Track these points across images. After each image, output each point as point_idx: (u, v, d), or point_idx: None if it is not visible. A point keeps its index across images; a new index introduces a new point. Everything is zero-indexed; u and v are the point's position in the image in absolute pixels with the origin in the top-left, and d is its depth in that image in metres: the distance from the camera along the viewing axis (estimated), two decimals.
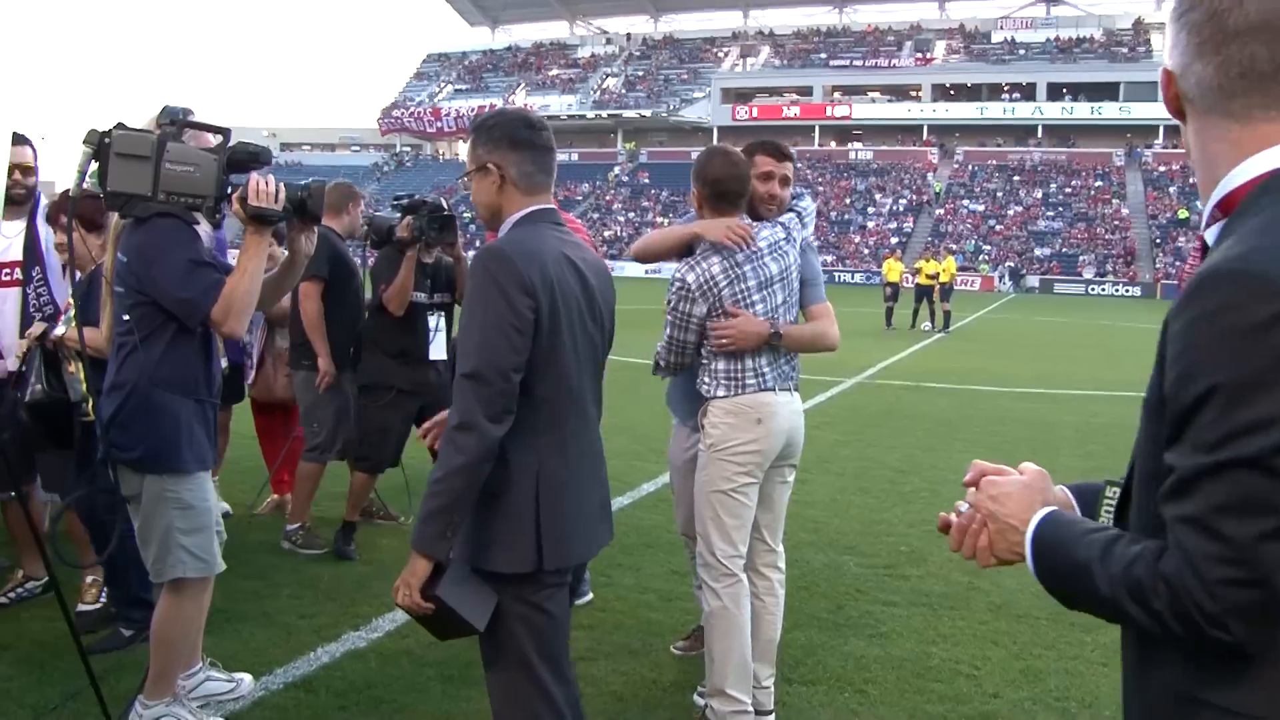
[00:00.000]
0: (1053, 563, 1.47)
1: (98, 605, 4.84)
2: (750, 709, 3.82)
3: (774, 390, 3.88)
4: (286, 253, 3.72)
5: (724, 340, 3.77)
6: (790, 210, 4.12)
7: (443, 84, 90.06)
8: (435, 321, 6.07)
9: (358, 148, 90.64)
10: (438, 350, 6.05)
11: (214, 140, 3.43)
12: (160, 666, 3.66)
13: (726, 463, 3.81)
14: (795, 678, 4.43)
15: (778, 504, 4.13)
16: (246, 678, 4.08)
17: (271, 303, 3.96)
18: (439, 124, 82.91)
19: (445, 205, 5.86)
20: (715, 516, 3.83)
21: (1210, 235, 1.43)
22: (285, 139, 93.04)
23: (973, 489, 1.65)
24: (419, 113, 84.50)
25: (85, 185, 3.35)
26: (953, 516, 1.66)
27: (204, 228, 3.44)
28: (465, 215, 68.39)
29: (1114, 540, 1.38)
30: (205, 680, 3.95)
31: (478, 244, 8.78)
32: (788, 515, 6.96)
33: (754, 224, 3.91)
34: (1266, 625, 1.26)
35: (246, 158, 3.37)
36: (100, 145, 3.14)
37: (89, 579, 4.95)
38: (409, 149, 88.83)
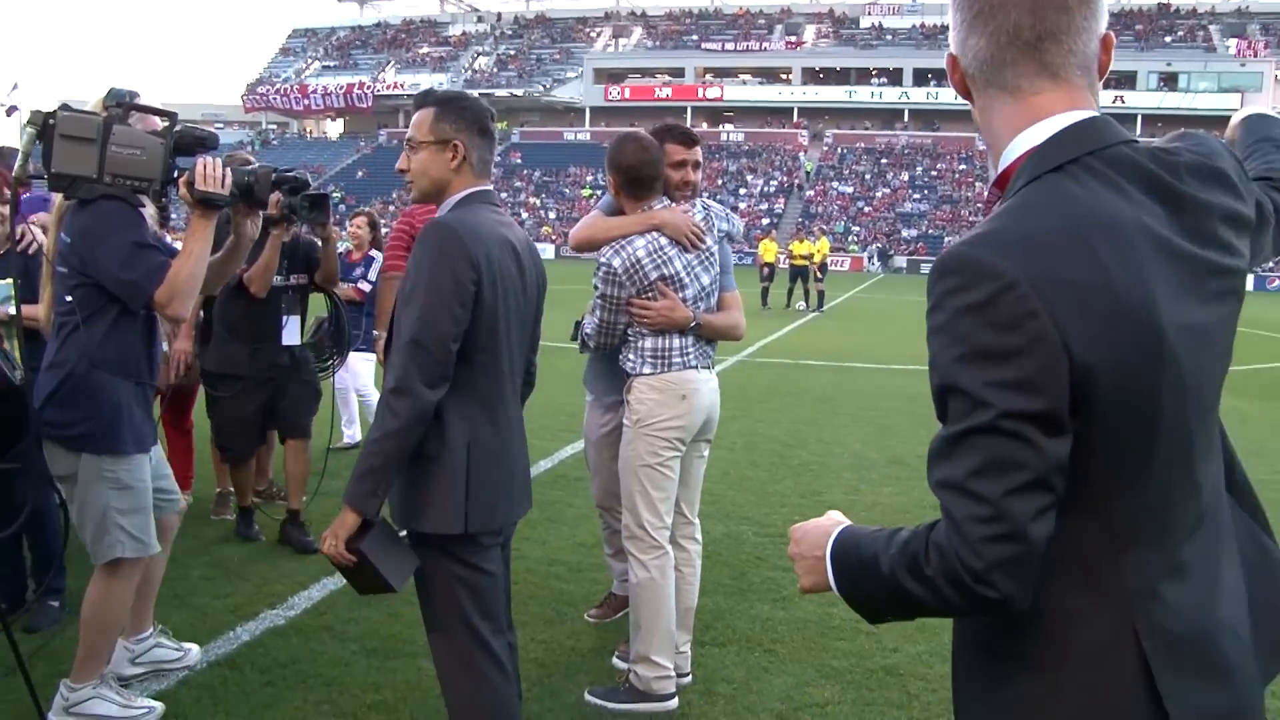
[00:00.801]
0: (847, 569, 1.54)
1: None
2: (673, 673, 4.00)
3: (696, 368, 4.04)
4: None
5: (646, 319, 3.91)
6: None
7: (310, 60, 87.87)
8: (290, 304, 5.76)
9: (221, 125, 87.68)
10: (291, 335, 5.78)
11: (161, 124, 3.41)
12: (89, 648, 3.66)
13: (653, 438, 3.94)
14: (707, 640, 4.64)
15: (695, 478, 4.31)
16: (194, 648, 4.15)
17: (215, 286, 3.97)
18: (306, 101, 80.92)
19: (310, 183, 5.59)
20: (643, 490, 3.97)
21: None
22: None
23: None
24: (285, 89, 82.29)
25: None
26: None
27: (149, 211, 3.44)
28: (334, 196, 67.07)
29: (897, 531, 1.47)
30: (155, 646, 4.01)
31: (347, 224, 8.67)
32: None
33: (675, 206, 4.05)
34: (1027, 578, 1.35)
35: (193, 142, 3.37)
36: (44, 126, 3.12)
37: None
38: (275, 126, 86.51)
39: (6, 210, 4.30)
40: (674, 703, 3.97)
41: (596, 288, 3.97)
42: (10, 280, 4.18)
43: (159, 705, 3.79)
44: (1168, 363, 1.37)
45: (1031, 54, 1.46)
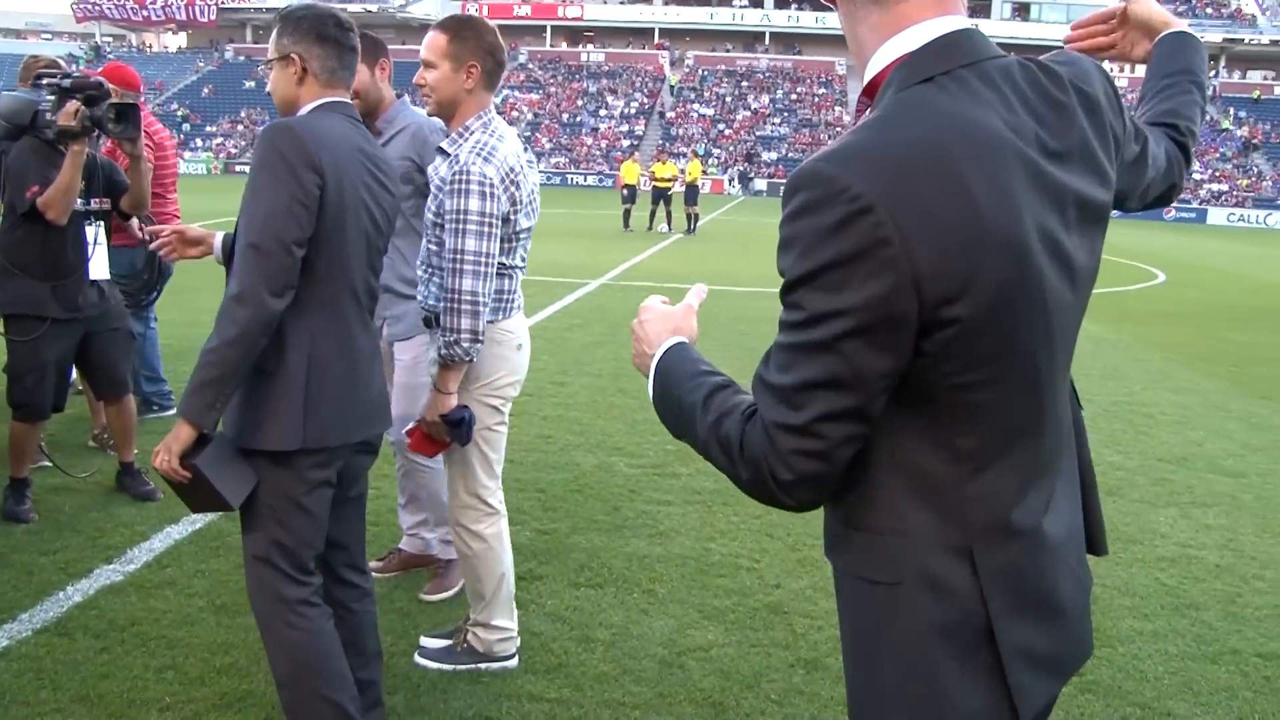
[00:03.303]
0: (665, 394, 1.58)
1: None
2: (514, 632, 3.73)
3: (522, 310, 3.74)
4: None
5: None
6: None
7: None
8: (94, 233, 4.94)
9: (49, 35, 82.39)
10: (99, 268, 4.95)
11: None
12: None
13: (492, 397, 3.56)
14: (582, 581, 4.43)
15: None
16: None
17: None
18: (145, 12, 76.40)
19: (113, 90, 4.74)
20: (481, 456, 3.58)
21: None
22: None
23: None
24: None
25: None
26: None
27: None
28: (178, 115, 63.85)
29: (719, 388, 1.48)
30: None
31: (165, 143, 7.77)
32: (553, 418, 7.01)
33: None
34: (824, 494, 1.40)
35: None
36: None
37: None
38: (110, 39, 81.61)
39: None
40: (514, 661, 3.71)
41: (459, 206, 3.25)
42: None
43: None
44: (1029, 293, 1.34)
45: None
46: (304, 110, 2.77)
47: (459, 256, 3.26)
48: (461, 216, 3.24)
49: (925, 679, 1.41)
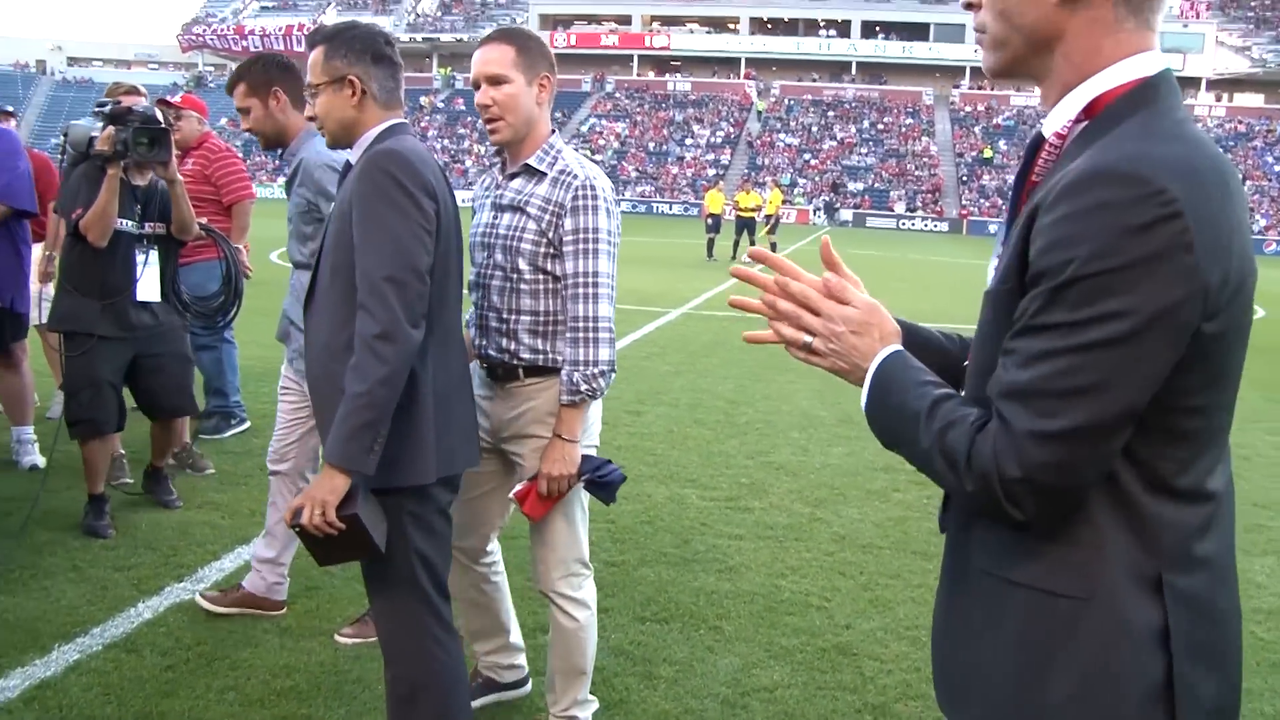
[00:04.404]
0: (883, 403, 1.51)
1: None
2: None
3: None
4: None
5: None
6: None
7: (248, 0, 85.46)
8: (145, 256, 5.01)
9: (155, 65, 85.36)
10: (147, 290, 5.00)
11: None
12: None
13: (590, 444, 3.27)
14: (648, 615, 4.35)
15: None
16: None
17: None
18: (244, 42, 78.66)
19: (161, 117, 4.90)
20: (583, 511, 3.29)
21: (1055, 126, 1.45)
22: (73, 53, 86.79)
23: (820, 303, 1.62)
24: (222, 30, 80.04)
25: None
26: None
27: None
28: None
29: (944, 399, 1.43)
30: None
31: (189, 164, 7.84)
32: (628, 448, 6.96)
33: None
34: (1057, 511, 1.34)
35: None
36: None
37: None
38: (212, 68, 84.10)
39: None
40: None
41: (591, 229, 3.00)
42: None
43: None
44: (1249, 320, 1.38)
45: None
46: (371, 134, 2.70)
47: (591, 279, 2.99)
48: (590, 235, 2.98)
49: (1104, 692, 1.37)
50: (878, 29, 70.78)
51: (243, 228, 6.54)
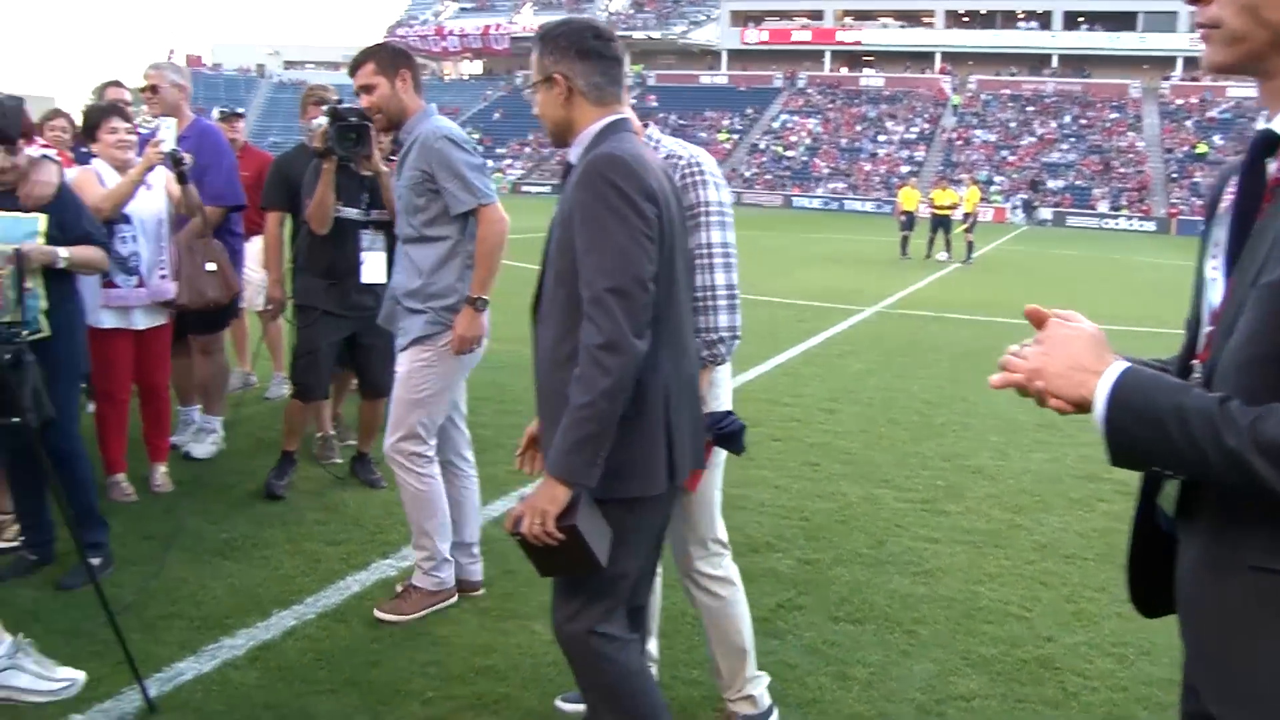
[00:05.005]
0: (1138, 414, 1.42)
1: (14, 544, 4.59)
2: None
3: None
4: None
5: None
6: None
7: (447, 2, 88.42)
8: (370, 241, 5.38)
9: None
10: (372, 273, 5.35)
11: None
12: None
13: None
14: (842, 616, 4.28)
15: None
16: (74, 679, 3.46)
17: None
18: (444, 43, 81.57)
19: (366, 114, 5.04)
20: (718, 486, 3.38)
21: None
22: (289, 56, 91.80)
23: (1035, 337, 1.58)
24: (424, 31, 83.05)
25: None
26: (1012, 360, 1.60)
27: None
28: (473, 138, 67.31)
29: (1226, 398, 1.36)
30: (8, 669, 3.39)
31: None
32: (821, 445, 6.88)
33: None
34: None
35: None
36: None
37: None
38: None
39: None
40: None
41: (707, 205, 3.10)
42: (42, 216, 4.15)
43: (80, 676, 3.44)
44: None
45: None
46: (590, 132, 2.64)
47: (706, 250, 3.07)
48: (701, 209, 3.07)
49: None
50: (1080, 19, 67.71)
51: None
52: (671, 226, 2.56)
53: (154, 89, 5.75)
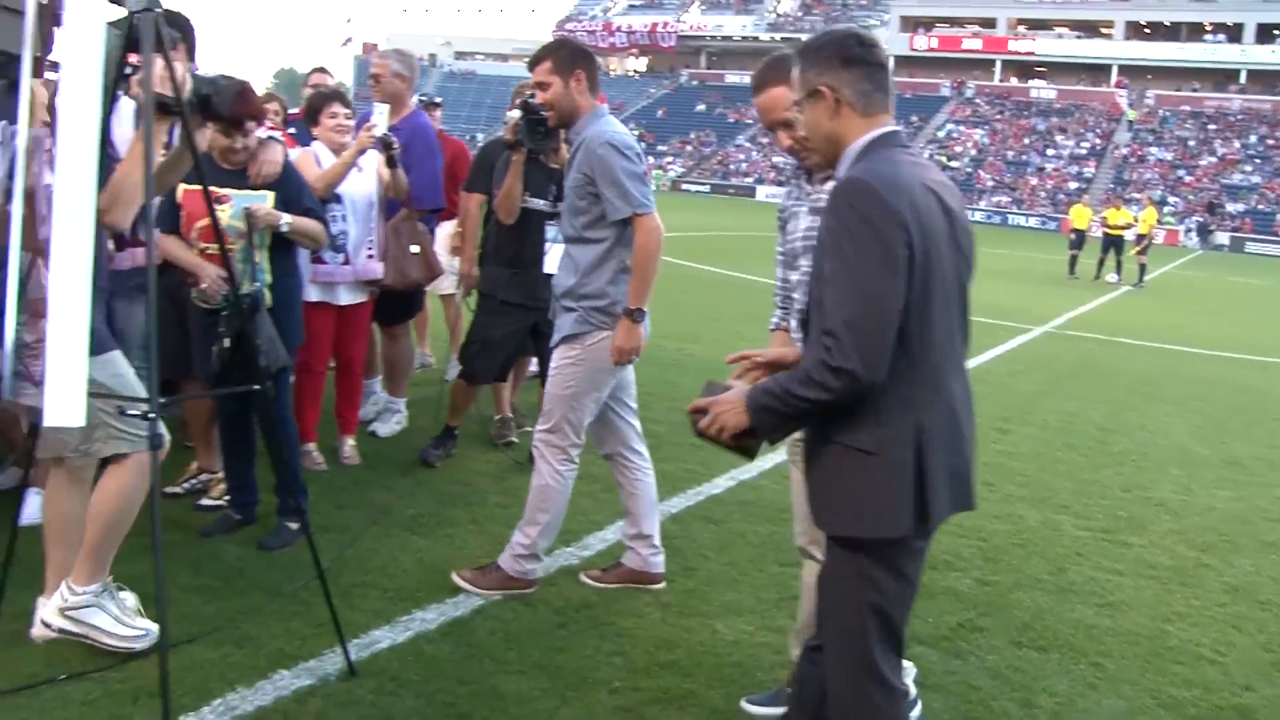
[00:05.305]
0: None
1: (219, 502, 4.86)
2: None
3: None
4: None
5: None
6: None
7: None
8: (555, 233, 5.43)
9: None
10: (555, 263, 5.29)
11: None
12: (91, 546, 3.46)
13: None
14: (1025, 641, 4.19)
15: None
16: (152, 630, 3.52)
17: (161, 190, 3.77)
18: (611, 39, 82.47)
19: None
20: None
21: None
22: (460, 47, 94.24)
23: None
24: (592, 26, 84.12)
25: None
26: None
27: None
28: (634, 133, 67.88)
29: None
30: (92, 606, 3.47)
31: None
32: (995, 465, 6.74)
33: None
34: None
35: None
36: None
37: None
38: None
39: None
40: None
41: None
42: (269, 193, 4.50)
43: (154, 628, 3.48)
44: None
45: None
46: (855, 148, 2.53)
47: None
48: None
49: None
50: (1276, 32, 64.28)
51: None
52: (929, 255, 2.41)
53: (376, 77, 5.98)
